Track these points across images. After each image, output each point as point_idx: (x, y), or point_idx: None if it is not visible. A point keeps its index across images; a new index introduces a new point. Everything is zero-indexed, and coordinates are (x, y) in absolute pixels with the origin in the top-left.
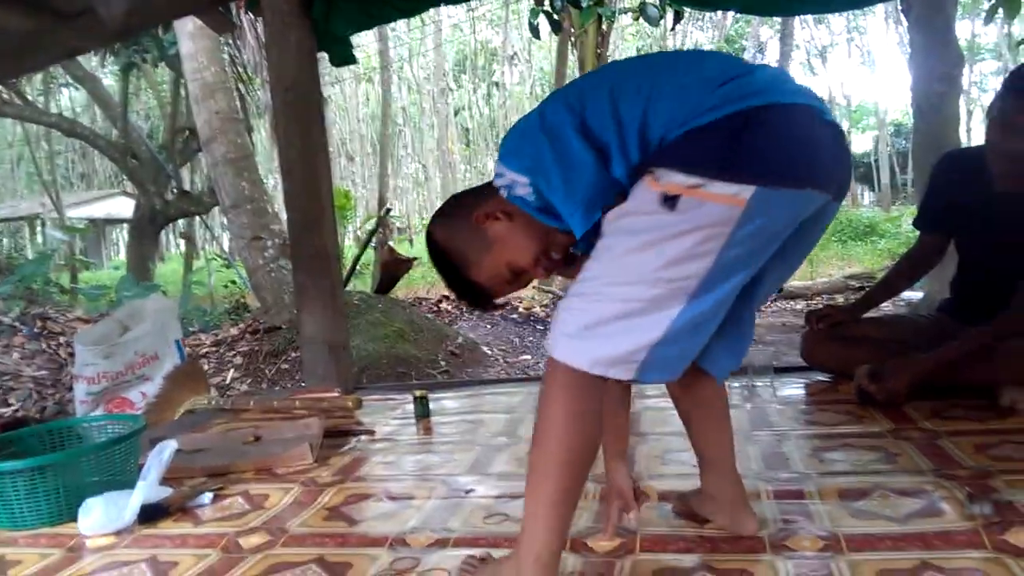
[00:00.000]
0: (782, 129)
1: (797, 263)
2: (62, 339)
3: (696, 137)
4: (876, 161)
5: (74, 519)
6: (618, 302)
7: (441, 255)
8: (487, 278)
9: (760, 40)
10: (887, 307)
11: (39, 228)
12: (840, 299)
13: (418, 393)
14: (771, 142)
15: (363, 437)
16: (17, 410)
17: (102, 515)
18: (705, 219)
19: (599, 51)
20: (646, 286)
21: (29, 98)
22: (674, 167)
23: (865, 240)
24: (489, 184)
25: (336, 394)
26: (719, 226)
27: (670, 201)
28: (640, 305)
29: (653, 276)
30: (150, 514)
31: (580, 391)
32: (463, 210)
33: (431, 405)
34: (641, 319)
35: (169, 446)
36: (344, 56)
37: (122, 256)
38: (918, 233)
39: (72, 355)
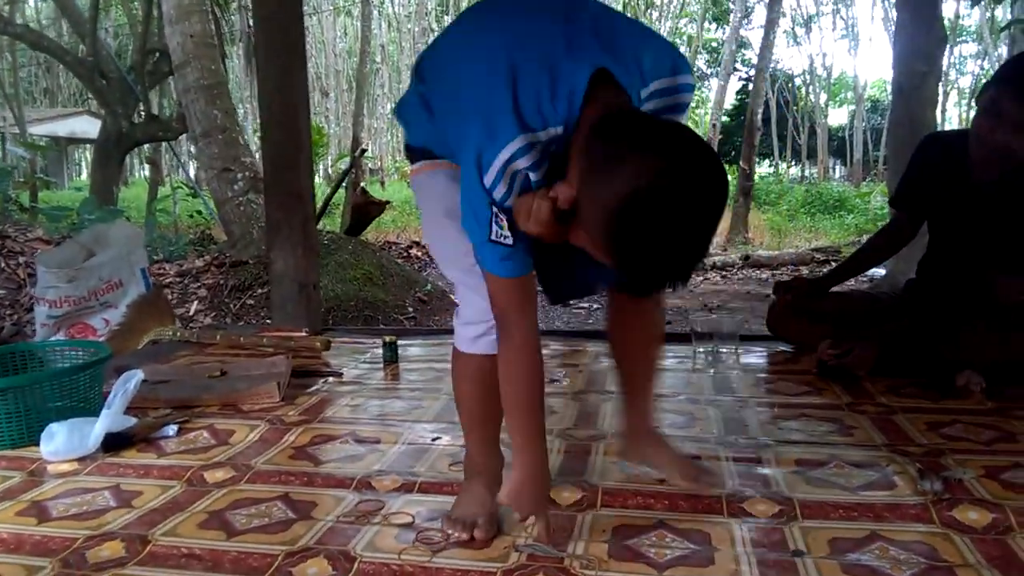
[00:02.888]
0: None
1: None
2: (21, 259)
3: None
4: (851, 136)
5: (36, 443)
6: None
7: None
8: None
9: (748, 4)
10: (850, 283)
11: None
12: (805, 271)
13: (388, 338)
14: None
15: (330, 379)
16: None
17: (65, 441)
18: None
19: None
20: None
21: None
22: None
23: (833, 214)
24: None
25: (304, 334)
26: None
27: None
28: None
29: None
30: (114, 443)
31: None
32: None
33: (399, 351)
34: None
35: (135, 376)
36: None
37: (84, 177)
38: (887, 211)
39: (32, 276)
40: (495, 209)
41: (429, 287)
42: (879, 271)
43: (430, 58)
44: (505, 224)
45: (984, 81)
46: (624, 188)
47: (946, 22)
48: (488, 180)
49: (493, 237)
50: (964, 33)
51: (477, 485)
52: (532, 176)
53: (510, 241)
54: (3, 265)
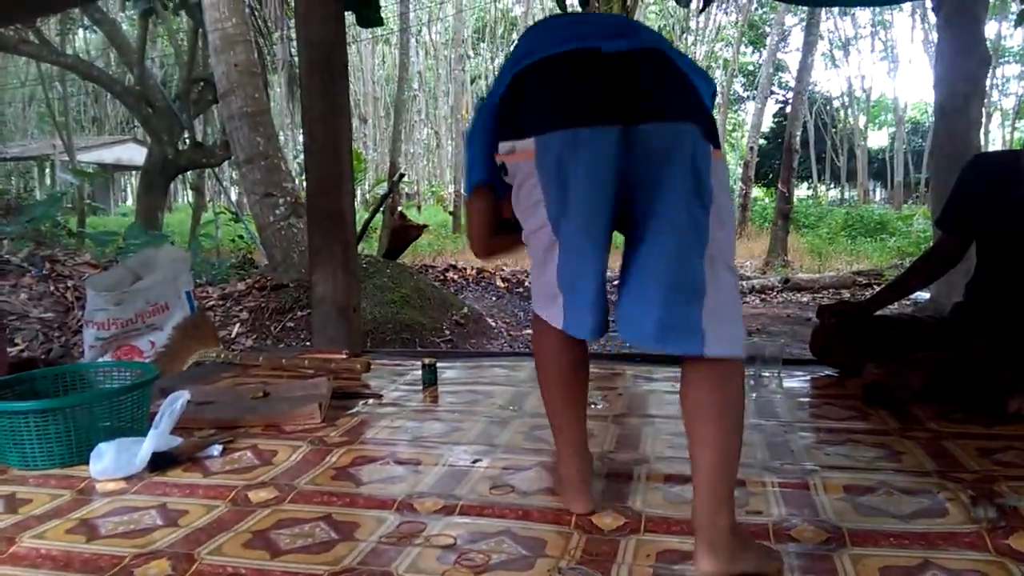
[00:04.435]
0: (541, 82)
1: (662, 208)
2: (70, 282)
3: (501, 109)
4: (891, 158)
5: (84, 463)
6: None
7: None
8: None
9: (784, 27)
10: (894, 307)
11: (48, 170)
12: (847, 294)
13: (427, 360)
14: (534, 96)
15: (370, 400)
16: (23, 350)
17: (113, 460)
18: (520, 174)
19: None
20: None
21: (46, 37)
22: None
23: (875, 237)
24: None
25: (344, 356)
26: (529, 176)
27: (502, 168)
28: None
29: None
30: (160, 462)
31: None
32: None
33: (438, 373)
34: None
35: (182, 396)
36: (371, 17)
37: (130, 203)
38: (930, 233)
39: (79, 299)
40: None
41: (466, 310)
42: (923, 295)
43: None
44: None
45: None
46: None
47: (988, 43)
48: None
49: None
50: (1007, 54)
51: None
52: None
53: None
54: (52, 288)
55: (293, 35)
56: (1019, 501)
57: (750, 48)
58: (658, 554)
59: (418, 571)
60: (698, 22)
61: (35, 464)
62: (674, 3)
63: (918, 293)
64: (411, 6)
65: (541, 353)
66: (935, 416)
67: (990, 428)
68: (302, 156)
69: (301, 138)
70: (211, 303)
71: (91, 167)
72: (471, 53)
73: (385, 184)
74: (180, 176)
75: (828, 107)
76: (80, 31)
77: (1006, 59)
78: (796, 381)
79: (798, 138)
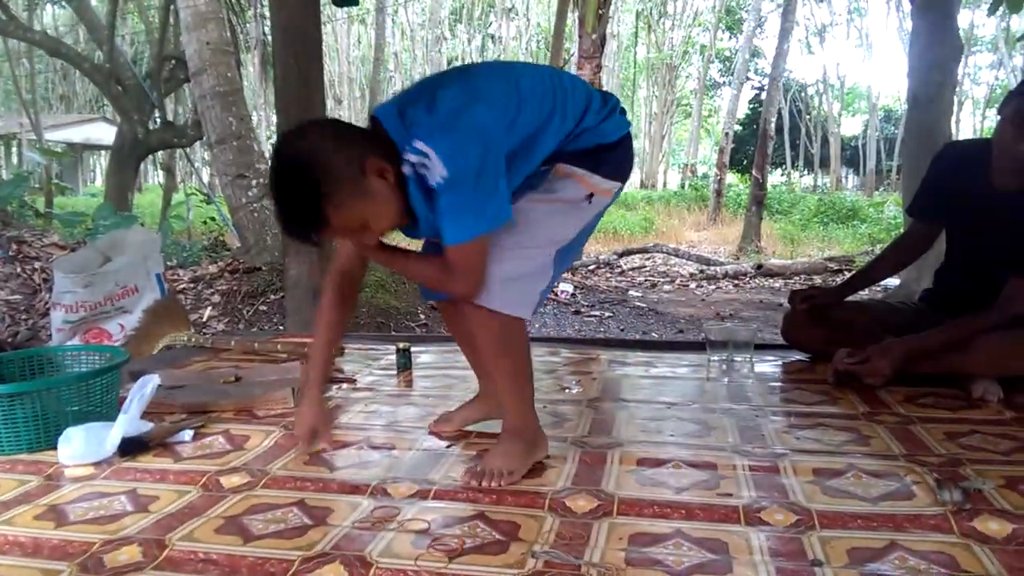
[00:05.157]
0: (629, 148)
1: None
2: (37, 264)
3: (606, 152)
4: (864, 145)
5: (52, 447)
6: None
7: (302, 170)
8: (340, 220)
9: (761, 14)
10: (864, 293)
11: (15, 149)
12: (818, 280)
13: (401, 345)
14: (627, 156)
15: (344, 385)
16: None
17: (82, 445)
18: (599, 207)
19: (600, 11)
20: (551, 247)
21: (13, 13)
22: (596, 171)
23: (847, 223)
24: (377, 133)
25: None
26: (595, 208)
27: (590, 196)
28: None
29: (555, 240)
30: (130, 447)
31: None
32: (352, 148)
33: (412, 358)
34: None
35: (152, 381)
36: None
37: (99, 183)
38: (901, 220)
39: (47, 281)
40: None
41: None
42: (893, 281)
43: None
44: None
45: (1007, 91)
46: None
47: (961, 32)
48: None
49: None
50: (979, 43)
51: (517, 442)
52: None
53: None
54: (19, 270)
55: (267, 13)
56: (983, 484)
57: (727, 34)
58: (631, 537)
59: (392, 556)
60: (675, 7)
61: (2, 449)
62: None
63: (888, 279)
64: None
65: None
66: (903, 401)
67: (956, 413)
68: (275, 137)
69: (275, 118)
70: (182, 286)
71: (59, 146)
72: (448, 34)
73: None
74: (150, 156)
75: (803, 94)
76: (48, 6)
77: (978, 48)
78: (768, 366)
79: (773, 124)
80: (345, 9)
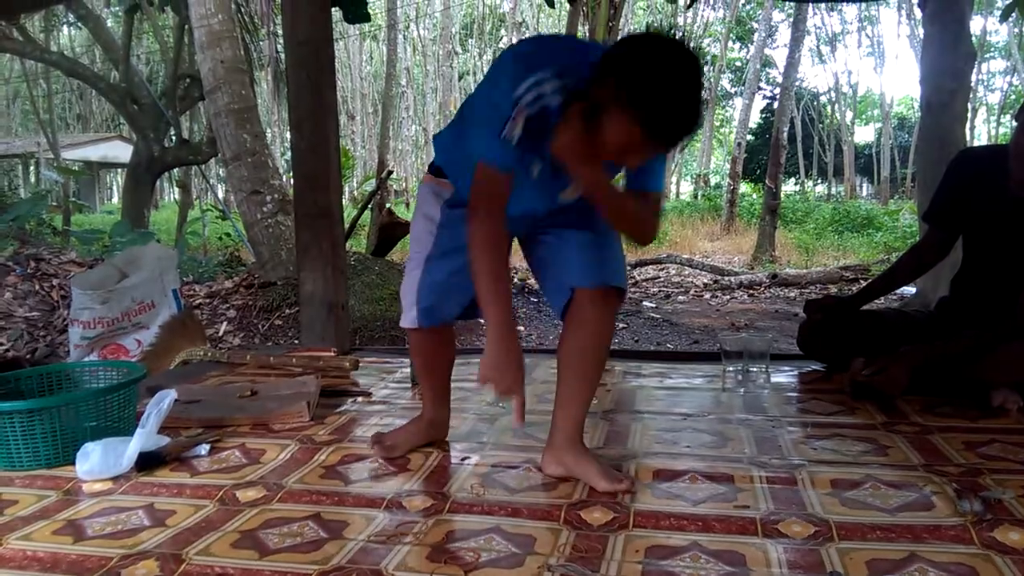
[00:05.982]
0: None
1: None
2: (55, 281)
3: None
4: (878, 153)
5: (70, 463)
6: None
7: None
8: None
9: (772, 23)
10: (880, 302)
11: (33, 168)
12: (834, 289)
13: None
14: None
15: (359, 399)
16: (8, 349)
17: (100, 460)
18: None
19: (610, 24)
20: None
21: (30, 34)
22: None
23: (862, 232)
24: None
25: (332, 354)
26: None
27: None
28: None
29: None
30: (147, 462)
31: None
32: None
33: None
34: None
35: (169, 396)
36: (358, 13)
37: (116, 200)
38: (916, 228)
39: (64, 297)
40: (515, 111)
41: None
42: (909, 289)
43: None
44: (519, 126)
45: (1023, 97)
46: (634, 68)
47: (974, 38)
48: (523, 87)
49: (505, 134)
50: (992, 49)
51: (414, 423)
52: (552, 102)
53: (515, 141)
54: (37, 287)
55: (279, 31)
56: (1003, 494)
57: (738, 44)
58: (647, 549)
59: (408, 569)
60: (686, 18)
61: (21, 465)
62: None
63: (904, 288)
64: (399, 2)
65: None
66: (921, 410)
67: (975, 422)
68: (289, 153)
69: (288, 135)
70: (198, 301)
71: (76, 165)
72: (459, 49)
73: (373, 181)
74: (166, 173)
75: (815, 103)
76: (64, 28)
77: (991, 54)
78: (784, 376)
79: (785, 134)
80: (357, 26)
